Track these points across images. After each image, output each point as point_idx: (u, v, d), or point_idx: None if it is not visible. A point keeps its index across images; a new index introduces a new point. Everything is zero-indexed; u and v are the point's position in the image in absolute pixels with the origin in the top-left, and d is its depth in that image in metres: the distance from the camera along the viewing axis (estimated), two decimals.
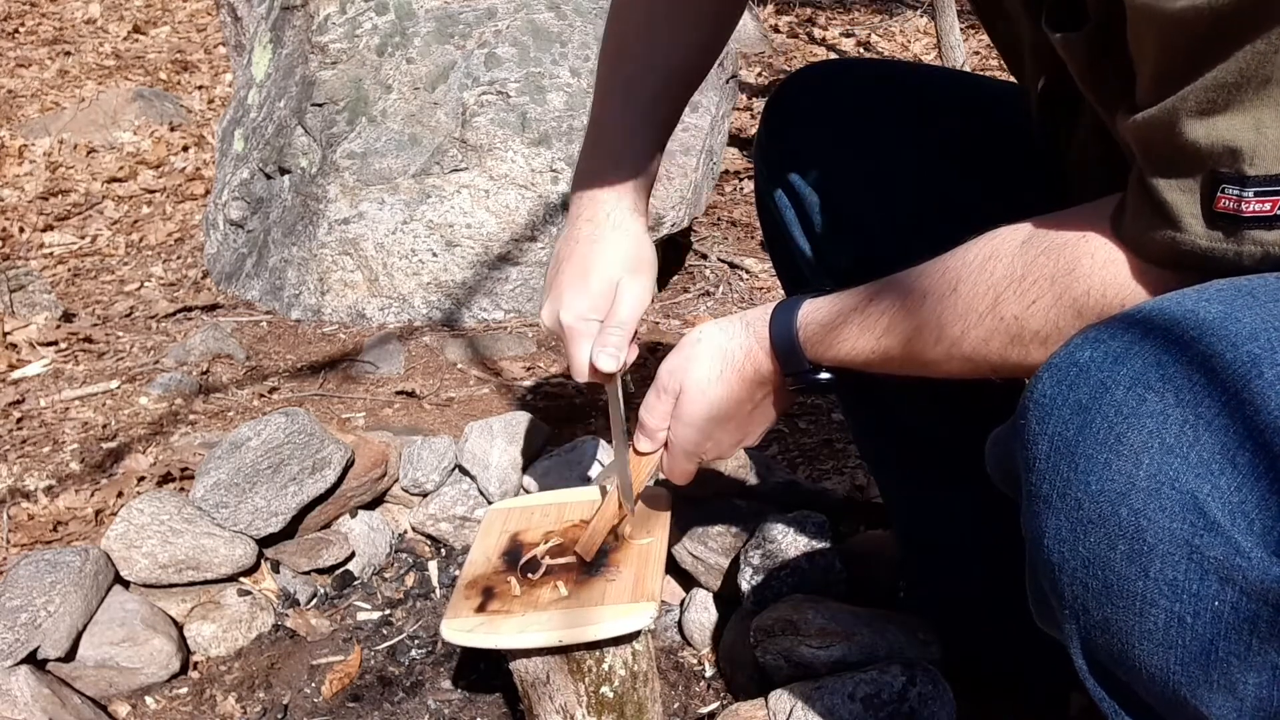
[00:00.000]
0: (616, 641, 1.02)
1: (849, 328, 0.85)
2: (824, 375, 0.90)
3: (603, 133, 1.07)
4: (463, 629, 1.01)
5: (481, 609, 1.03)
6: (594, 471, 1.45)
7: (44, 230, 3.20)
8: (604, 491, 1.13)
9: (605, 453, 1.49)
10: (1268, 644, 0.56)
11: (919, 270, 0.81)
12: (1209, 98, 0.61)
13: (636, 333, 1.04)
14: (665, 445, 1.01)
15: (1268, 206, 0.61)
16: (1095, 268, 0.70)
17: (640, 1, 1.10)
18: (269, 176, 2.62)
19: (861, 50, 4.98)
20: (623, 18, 1.10)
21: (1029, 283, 0.73)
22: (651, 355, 2.06)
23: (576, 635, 1.00)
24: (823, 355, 0.88)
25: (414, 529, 1.54)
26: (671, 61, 1.08)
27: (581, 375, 1.04)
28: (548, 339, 2.31)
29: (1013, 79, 1.02)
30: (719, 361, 0.93)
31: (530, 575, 1.07)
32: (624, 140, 1.06)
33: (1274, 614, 0.55)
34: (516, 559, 1.11)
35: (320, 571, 1.45)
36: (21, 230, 3.18)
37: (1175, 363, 0.59)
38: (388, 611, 1.41)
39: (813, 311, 0.88)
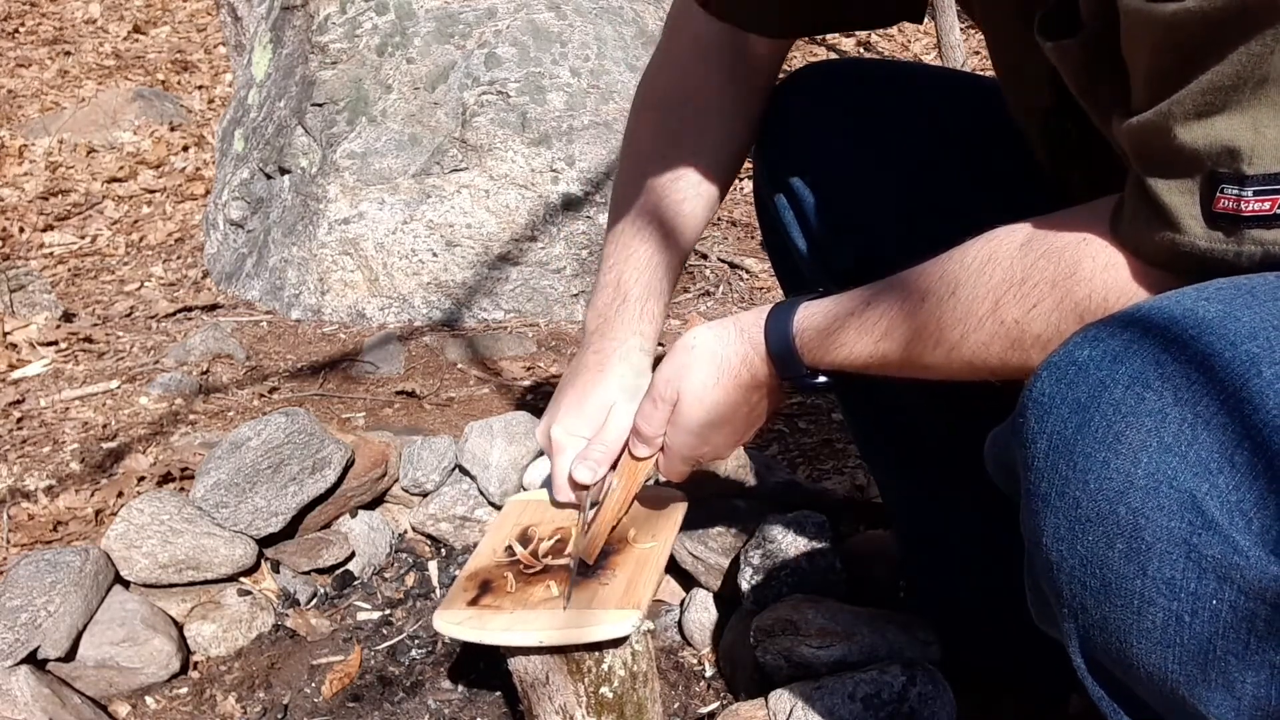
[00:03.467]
0: (598, 646, 1.02)
1: (846, 332, 0.85)
2: (821, 379, 0.90)
3: (618, 276, 1.10)
4: (452, 621, 1.02)
5: (474, 602, 1.03)
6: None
7: (44, 230, 3.20)
8: (602, 491, 1.13)
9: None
10: (1266, 643, 0.56)
11: (916, 272, 0.81)
12: (1205, 100, 0.61)
13: (621, 456, 1.06)
14: (661, 449, 1.01)
15: (1267, 205, 0.62)
16: (1096, 271, 0.70)
17: (649, 136, 1.13)
18: (269, 176, 2.62)
19: (861, 50, 4.97)
20: (637, 149, 1.14)
21: (1029, 286, 0.73)
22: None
23: (560, 637, 0.99)
24: (820, 360, 0.88)
25: (414, 529, 1.54)
26: (689, 201, 1.10)
27: (560, 491, 1.08)
28: (547, 339, 2.32)
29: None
30: (715, 368, 0.93)
31: (528, 570, 1.07)
32: (641, 286, 1.09)
33: (1272, 613, 0.55)
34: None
35: (320, 571, 1.45)
36: (21, 230, 3.18)
37: (1174, 361, 0.59)
38: (388, 611, 1.41)
39: (808, 316, 0.88)
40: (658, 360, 1.04)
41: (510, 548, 1.11)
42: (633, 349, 1.08)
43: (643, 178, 1.11)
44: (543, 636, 0.99)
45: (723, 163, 1.12)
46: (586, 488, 1.05)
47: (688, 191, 1.10)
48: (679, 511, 1.13)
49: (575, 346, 2.26)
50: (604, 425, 1.05)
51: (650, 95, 1.15)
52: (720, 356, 0.93)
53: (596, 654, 1.03)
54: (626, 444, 1.04)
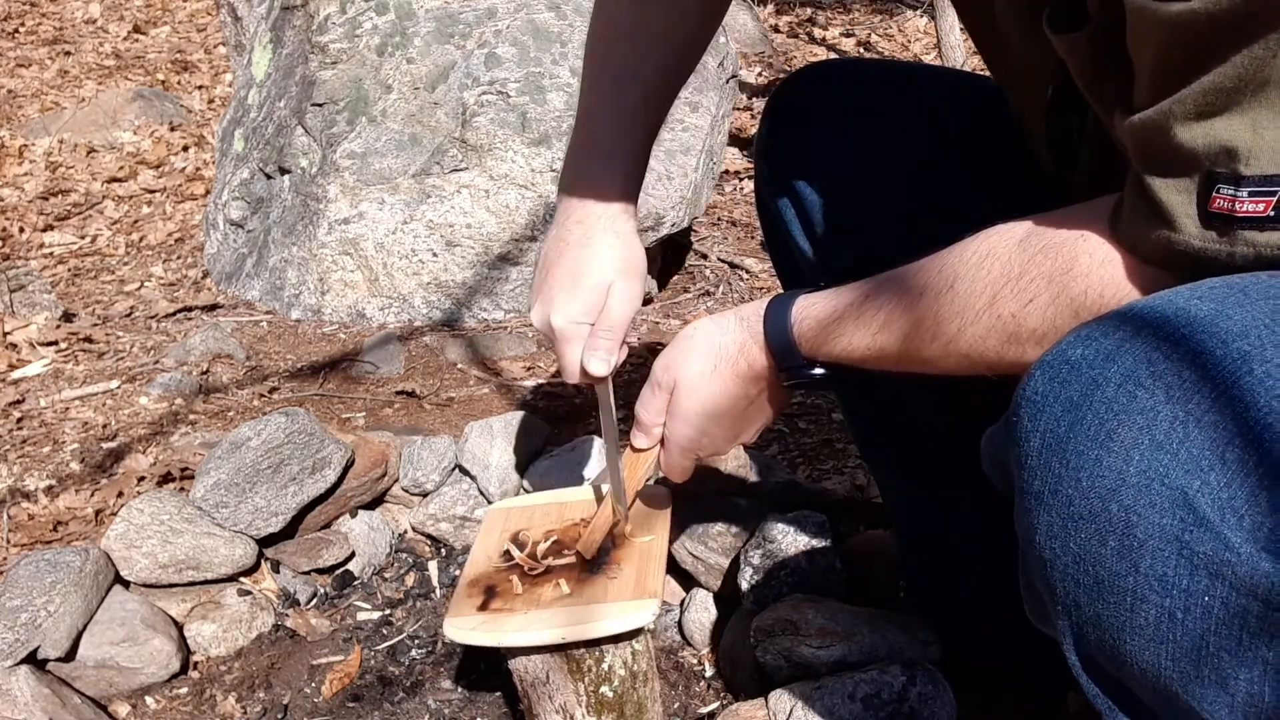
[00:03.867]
0: (619, 639, 1.02)
1: (845, 324, 0.85)
2: (819, 371, 0.90)
3: (592, 132, 1.07)
4: (465, 627, 1.02)
5: (484, 607, 1.03)
6: (590, 471, 1.45)
7: (44, 230, 3.20)
8: (601, 491, 1.14)
9: (603, 453, 1.49)
10: (1258, 639, 0.56)
11: (916, 267, 0.81)
12: (1206, 101, 0.61)
13: (627, 335, 1.04)
14: (661, 441, 1.01)
15: (1261, 207, 0.62)
16: (1093, 267, 0.70)
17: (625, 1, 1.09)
18: (269, 176, 2.62)
19: (861, 50, 4.98)
20: (607, 14, 1.09)
21: (1026, 281, 0.73)
22: (651, 355, 2.06)
23: (580, 632, 1.00)
24: (818, 351, 0.88)
25: (414, 529, 1.54)
26: (659, 57, 1.07)
27: (572, 378, 1.04)
28: (547, 339, 2.31)
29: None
30: (713, 356, 0.93)
31: (531, 572, 1.07)
32: (614, 140, 1.05)
33: (1264, 609, 0.55)
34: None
35: (320, 571, 1.45)
36: (21, 230, 3.18)
37: (1166, 360, 0.60)
38: (388, 611, 1.41)
39: (808, 307, 0.88)
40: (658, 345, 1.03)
41: (507, 552, 1.11)
42: (616, 212, 1.04)
43: (618, 26, 1.07)
44: (564, 633, 1.00)
45: (694, 37, 1.09)
46: (601, 378, 1.03)
47: (665, 33, 1.06)
48: (668, 506, 1.14)
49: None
50: (605, 309, 1.01)
51: None
52: (719, 345, 0.93)
53: (597, 653, 1.03)
54: (624, 439, 1.04)
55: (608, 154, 1.05)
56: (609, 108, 1.06)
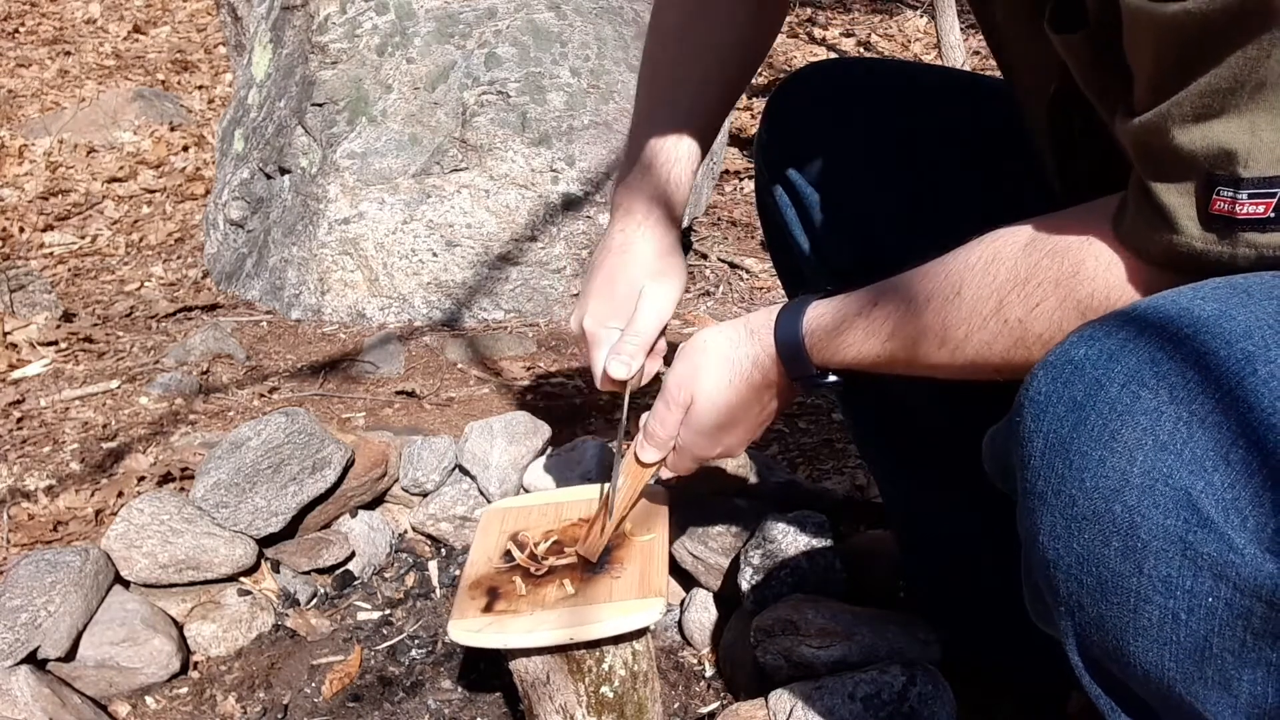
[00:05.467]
0: (627, 638, 1.02)
1: (853, 332, 0.85)
2: (831, 379, 0.90)
3: (642, 144, 1.09)
4: (471, 629, 1.01)
5: (488, 609, 1.03)
6: (589, 472, 1.45)
7: (44, 230, 3.21)
8: (600, 491, 1.14)
9: (601, 453, 1.49)
10: (1262, 640, 0.56)
11: (921, 272, 0.81)
12: (1204, 103, 0.61)
13: (658, 342, 1.05)
14: (673, 448, 1.02)
15: (1261, 209, 0.62)
16: (1099, 270, 0.70)
17: (676, 18, 1.11)
18: (269, 176, 2.62)
19: (861, 50, 4.98)
20: (661, 30, 1.12)
21: (1033, 285, 0.73)
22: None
23: (587, 632, 1.00)
24: (829, 360, 0.88)
25: (414, 529, 1.54)
26: (707, 71, 1.09)
27: (598, 381, 1.05)
28: (547, 339, 2.32)
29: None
30: (726, 370, 0.94)
31: (534, 573, 1.07)
32: (659, 153, 1.07)
33: (1268, 610, 0.55)
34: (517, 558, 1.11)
35: (320, 571, 1.45)
36: (21, 230, 3.18)
37: (1169, 360, 0.59)
38: (388, 611, 1.41)
39: (817, 317, 0.89)
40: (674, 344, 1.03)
41: (508, 553, 1.11)
42: (656, 221, 1.06)
43: (666, 51, 1.10)
44: (572, 633, 1.00)
45: (746, 53, 1.12)
46: (624, 383, 1.04)
47: (717, 48, 1.08)
48: (666, 504, 1.14)
49: (576, 347, 2.26)
50: (635, 314, 1.04)
51: None
52: (731, 359, 0.94)
53: (597, 653, 1.03)
54: (635, 447, 1.04)
55: (653, 168, 1.07)
56: (657, 121, 1.08)
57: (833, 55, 4.88)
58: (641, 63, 1.14)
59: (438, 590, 1.44)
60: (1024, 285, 0.73)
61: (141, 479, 1.72)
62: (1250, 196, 0.62)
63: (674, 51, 1.10)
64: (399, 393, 2.05)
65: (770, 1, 1.12)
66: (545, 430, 1.58)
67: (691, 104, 1.08)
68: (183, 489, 1.66)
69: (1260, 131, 0.60)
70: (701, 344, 0.96)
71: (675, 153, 1.07)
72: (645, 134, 1.08)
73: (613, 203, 1.10)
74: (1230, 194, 0.62)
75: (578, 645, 1.02)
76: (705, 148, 1.10)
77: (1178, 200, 0.65)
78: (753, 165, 1.22)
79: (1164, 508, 0.57)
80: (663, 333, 1.07)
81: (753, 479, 1.46)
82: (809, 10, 5.64)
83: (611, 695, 1.05)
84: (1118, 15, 0.65)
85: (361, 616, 1.40)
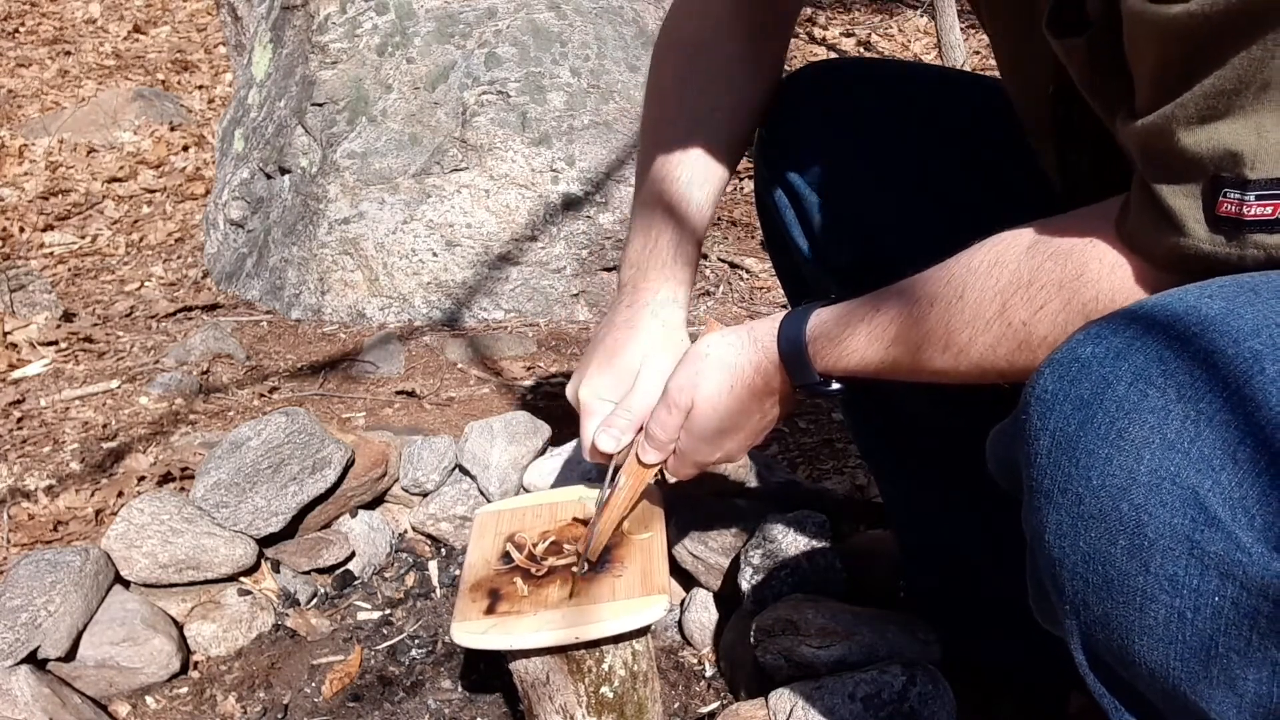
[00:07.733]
0: (629, 637, 1.02)
1: (856, 339, 0.85)
2: (835, 386, 0.90)
3: (649, 219, 1.09)
4: (474, 631, 1.01)
5: (490, 611, 1.03)
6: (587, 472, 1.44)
7: (44, 230, 3.20)
8: (601, 493, 1.13)
9: None
10: (1268, 640, 0.56)
11: (924, 277, 0.81)
12: (1208, 104, 0.61)
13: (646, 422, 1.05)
14: (673, 453, 1.02)
15: (1269, 210, 0.62)
16: (1103, 273, 0.70)
17: (672, 79, 1.12)
18: (269, 176, 2.62)
19: (861, 50, 4.98)
20: (655, 94, 1.13)
21: (1036, 288, 0.73)
22: None
23: (592, 631, 1.00)
24: (832, 367, 0.88)
25: (414, 529, 1.54)
26: (706, 136, 1.09)
27: (586, 453, 1.06)
28: (547, 339, 2.32)
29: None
30: (728, 376, 0.94)
31: (535, 573, 1.07)
32: (669, 230, 1.08)
33: (1274, 610, 0.55)
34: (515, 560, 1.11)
35: (320, 571, 1.45)
36: (21, 230, 3.18)
37: (1177, 358, 0.59)
38: (388, 611, 1.41)
39: (820, 324, 0.88)
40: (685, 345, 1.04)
41: (506, 555, 1.11)
42: (665, 301, 1.07)
43: (667, 121, 1.10)
44: (576, 633, 1.00)
45: (745, 113, 1.12)
46: (611, 456, 1.04)
47: (713, 134, 1.09)
48: (660, 503, 1.14)
49: (576, 346, 2.26)
50: (631, 390, 1.03)
51: (675, 34, 1.14)
52: (734, 365, 0.94)
53: (597, 653, 1.03)
54: (636, 448, 1.04)
55: (660, 243, 1.08)
56: (663, 196, 1.09)
57: (833, 55, 4.88)
58: (642, 122, 1.15)
59: (438, 590, 1.44)
60: (1028, 288, 0.73)
61: (141, 479, 1.72)
62: (1258, 198, 0.61)
63: (673, 115, 1.11)
64: (399, 393, 2.05)
65: (766, 61, 1.13)
66: (545, 430, 1.57)
67: (692, 175, 1.08)
68: (183, 489, 1.66)
69: (1266, 132, 0.60)
70: (704, 349, 0.95)
71: (681, 231, 1.08)
72: (651, 206, 1.09)
73: (620, 277, 1.10)
74: (1237, 196, 0.62)
75: (582, 645, 1.01)
76: (712, 213, 1.11)
77: (1184, 202, 0.65)
78: (753, 165, 1.22)
79: (1171, 506, 0.57)
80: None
81: (753, 479, 1.46)
82: (809, 10, 5.64)
83: (611, 695, 1.05)
84: (1117, 18, 0.65)
85: (361, 616, 1.40)
